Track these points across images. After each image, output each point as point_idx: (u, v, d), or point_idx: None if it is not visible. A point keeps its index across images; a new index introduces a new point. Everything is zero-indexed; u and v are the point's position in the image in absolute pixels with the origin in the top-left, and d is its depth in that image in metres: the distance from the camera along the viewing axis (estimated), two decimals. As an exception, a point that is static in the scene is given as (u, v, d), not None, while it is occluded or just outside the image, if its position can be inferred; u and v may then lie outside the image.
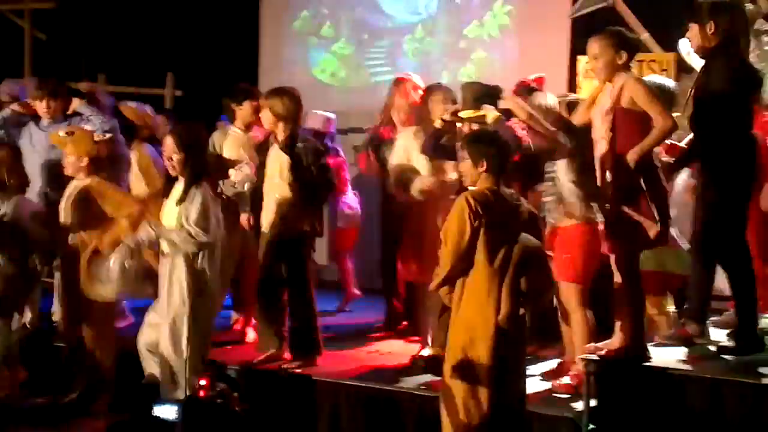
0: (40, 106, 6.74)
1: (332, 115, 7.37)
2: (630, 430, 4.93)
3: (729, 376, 4.85)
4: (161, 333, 5.50)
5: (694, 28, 5.17)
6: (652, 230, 4.91)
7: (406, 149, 6.27)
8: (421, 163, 6.14)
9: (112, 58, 9.42)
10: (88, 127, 6.50)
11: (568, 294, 5.27)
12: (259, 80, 9.09)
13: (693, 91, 5.17)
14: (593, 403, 4.98)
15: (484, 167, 4.64)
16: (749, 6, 5.80)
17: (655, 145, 4.99)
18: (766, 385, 4.71)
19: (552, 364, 5.70)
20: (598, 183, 5.06)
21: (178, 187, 5.52)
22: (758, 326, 5.15)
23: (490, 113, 5.47)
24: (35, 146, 6.73)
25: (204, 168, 5.67)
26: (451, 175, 5.89)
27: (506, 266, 4.59)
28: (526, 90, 5.99)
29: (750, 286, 5.10)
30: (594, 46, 5.05)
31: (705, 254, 5.13)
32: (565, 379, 5.35)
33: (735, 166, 4.97)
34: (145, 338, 5.66)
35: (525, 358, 4.84)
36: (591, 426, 4.94)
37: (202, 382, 5.48)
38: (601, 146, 5.02)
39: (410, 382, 5.66)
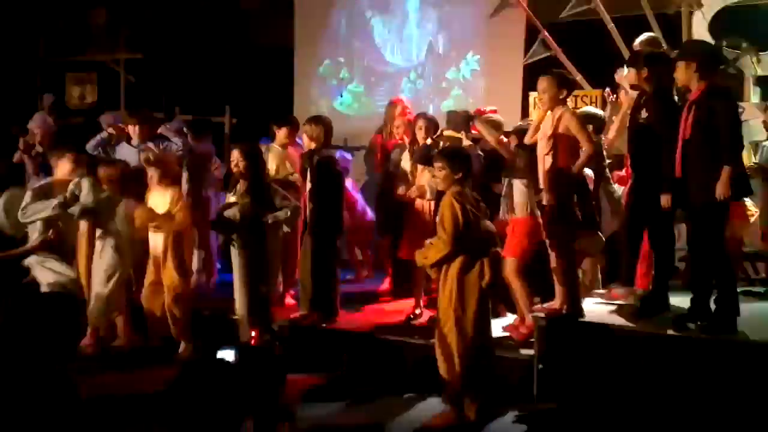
0: (132, 130, 6.68)
1: (348, 156, 7.24)
2: (570, 368, 4.90)
3: (651, 330, 4.76)
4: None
5: (631, 71, 5.00)
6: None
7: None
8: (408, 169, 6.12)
9: (185, 94, 9.40)
10: (173, 146, 6.51)
11: (512, 267, 5.29)
12: (294, 111, 9.04)
13: (629, 121, 5.04)
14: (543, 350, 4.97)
15: (461, 175, 4.64)
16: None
17: (585, 166, 4.96)
18: (686, 337, 4.59)
19: (510, 319, 5.71)
20: (541, 189, 5.02)
21: (240, 187, 5.59)
22: (667, 291, 5.01)
23: (465, 140, 5.58)
24: (127, 161, 6.67)
25: (263, 172, 5.71)
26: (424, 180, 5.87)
27: (483, 245, 4.59)
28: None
29: (664, 257, 4.99)
30: (542, 83, 4.98)
31: (632, 235, 5.08)
32: (521, 330, 5.37)
33: (658, 177, 4.80)
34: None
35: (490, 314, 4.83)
36: (540, 366, 4.95)
37: (253, 333, 5.50)
38: (545, 162, 4.96)
39: (406, 334, 5.65)
